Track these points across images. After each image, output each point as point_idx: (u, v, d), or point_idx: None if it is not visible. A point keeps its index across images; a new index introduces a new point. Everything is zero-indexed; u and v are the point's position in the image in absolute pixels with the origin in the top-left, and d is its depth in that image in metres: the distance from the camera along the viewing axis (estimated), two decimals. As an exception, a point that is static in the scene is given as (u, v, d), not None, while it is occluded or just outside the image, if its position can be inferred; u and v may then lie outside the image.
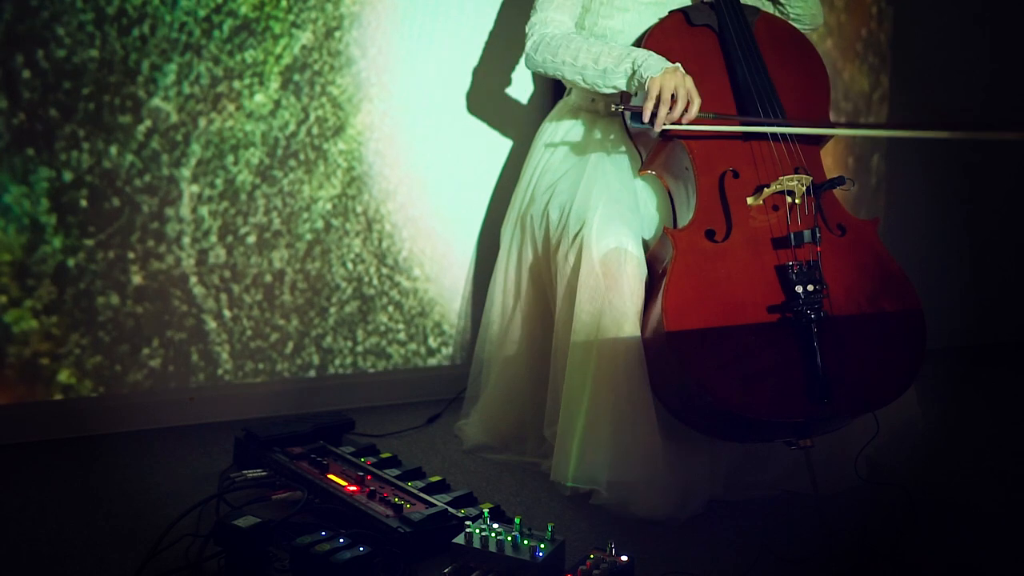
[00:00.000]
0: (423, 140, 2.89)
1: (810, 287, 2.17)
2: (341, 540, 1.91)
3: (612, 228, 2.30)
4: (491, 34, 2.92)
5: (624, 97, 2.39)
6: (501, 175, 2.99)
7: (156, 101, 2.60)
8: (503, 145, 2.99)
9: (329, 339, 2.87)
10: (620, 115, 2.35)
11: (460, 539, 1.92)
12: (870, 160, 3.46)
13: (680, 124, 2.25)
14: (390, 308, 2.90)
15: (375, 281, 2.88)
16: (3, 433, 2.59)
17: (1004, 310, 3.66)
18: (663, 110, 2.22)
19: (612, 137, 2.51)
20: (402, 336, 2.92)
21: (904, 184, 3.49)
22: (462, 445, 2.64)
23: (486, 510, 2.00)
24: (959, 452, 2.65)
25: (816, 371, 2.11)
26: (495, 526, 1.92)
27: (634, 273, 2.27)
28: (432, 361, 2.97)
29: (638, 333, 2.24)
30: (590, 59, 2.34)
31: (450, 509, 2.11)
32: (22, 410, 2.61)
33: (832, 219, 2.32)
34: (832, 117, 2.75)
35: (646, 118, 2.24)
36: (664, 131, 2.27)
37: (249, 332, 2.78)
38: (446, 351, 2.97)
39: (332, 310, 2.85)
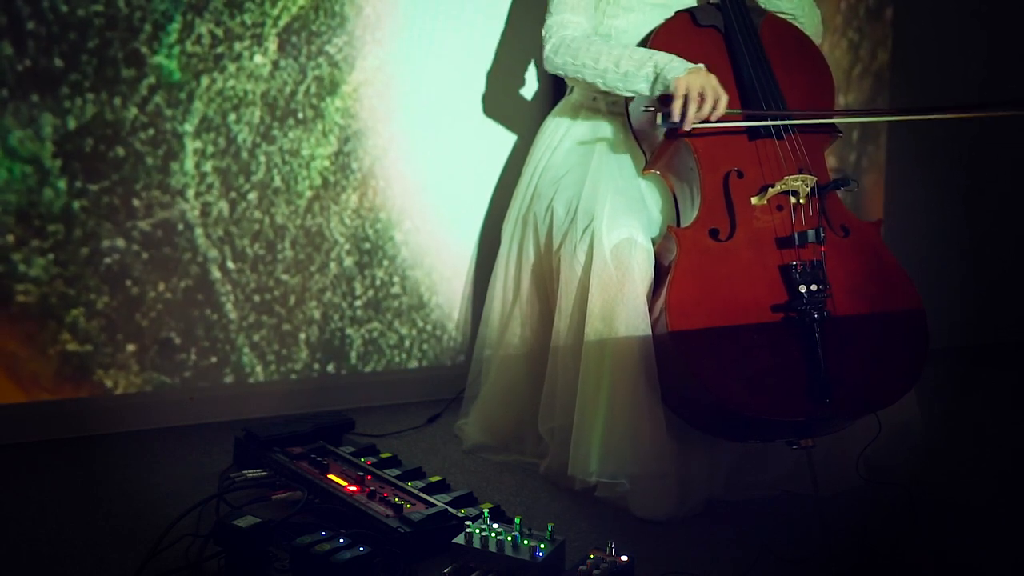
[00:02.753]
0: (415, 93, 2.92)
1: (813, 287, 2.18)
2: (341, 540, 1.91)
3: (622, 220, 2.31)
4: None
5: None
6: (502, 174, 3.00)
7: (159, 58, 2.64)
8: (495, 129, 3.01)
9: (329, 294, 2.89)
10: (650, 115, 2.33)
11: (460, 539, 1.92)
12: (871, 158, 3.46)
13: (710, 122, 2.25)
14: (384, 262, 2.93)
15: (371, 235, 2.91)
16: (3, 433, 2.59)
17: (1004, 310, 3.66)
18: (692, 108, 2.23)
19: (615, 135, 2.52)
20: (396, 290, 2.95)
21: (904, 184, 3.49)
22: (462, 445, 2.64)
23: (486, 510, 2.00)
24: (959, 452, 2.65)
25: (818, 371, 2.11)
26: (495, 526, 1.92)
27: (645, 264, 2.28)
28: (424, 311, 2.99)
29: (650, 324, 2.25)
30: (611, 62, 2.35)
31: (450, 509, 2.11)
32: (22, 410, 2.61)
33: (836, 220, 2.32)
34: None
35: (676, 117, 2.24)
36: (674, 131, 2.27)
37: (252, 285, 2.81)
38: (436, 300, 3.00)
39: (332, 265, 2.88)
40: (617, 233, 2.29)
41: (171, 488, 2.35)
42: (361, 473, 2.26)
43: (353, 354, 2.94)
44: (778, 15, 2.54)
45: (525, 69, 3.00)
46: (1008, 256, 3.67)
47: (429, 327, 3.01)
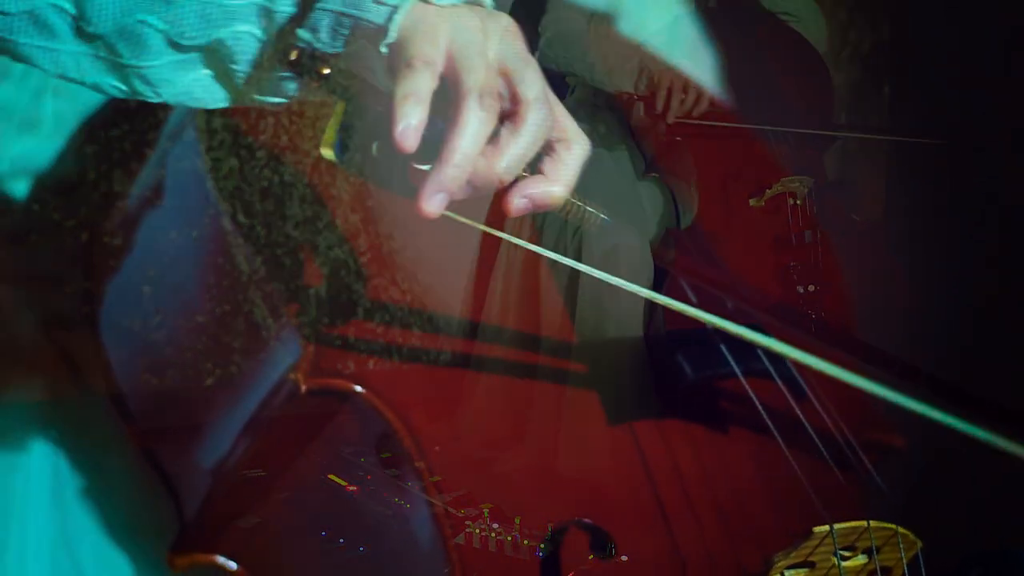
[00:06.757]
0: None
1: (810, 287, 2.18)
2: (341, 540, 1.91)
3: None
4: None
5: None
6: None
7: None
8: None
9: (336, 250, 2.93)
10: (632, 102, 2.34)
11: (460, 539, 1.92)
12: (872, 158, 3.46)
13: (690, 120, 2.25)
14: (387, 218, 2.97)
15: (374, 192, 2.95)
16: (3, 433, 2.60)
17: (1004, 310, 3.65)
18: (675, 100, 2.22)
19: (608, 129, 2.52)
20: (398, 244, 3.00)
21: (903, 183, 3.49)
22: (462, 445, 2.64)
23: (486, 510, 2.00)
24: (960, 451, 2.64)
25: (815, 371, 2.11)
26: (495, 526, 1.92)
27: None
28: (425, 268, 3.04)
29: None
30: (598, 55, 2.35)
31: (450, 509, 2.11)
32: (22, 410, 2.62)
33: (835, 221, 2.32)
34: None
35: (659, 107, 2.24)
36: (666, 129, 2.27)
37: (263, 240, 2.84)
38: (436, 256, 3.03)
39: (338, 221, 2.92)
40: None
41: (171, 488, 2.34)
42: (361, 473, 2.26)
43: (360, 310, 2.98)
44: (779, 16, 2.54)
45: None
46: (1008, 257, 3.66)
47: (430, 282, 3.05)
